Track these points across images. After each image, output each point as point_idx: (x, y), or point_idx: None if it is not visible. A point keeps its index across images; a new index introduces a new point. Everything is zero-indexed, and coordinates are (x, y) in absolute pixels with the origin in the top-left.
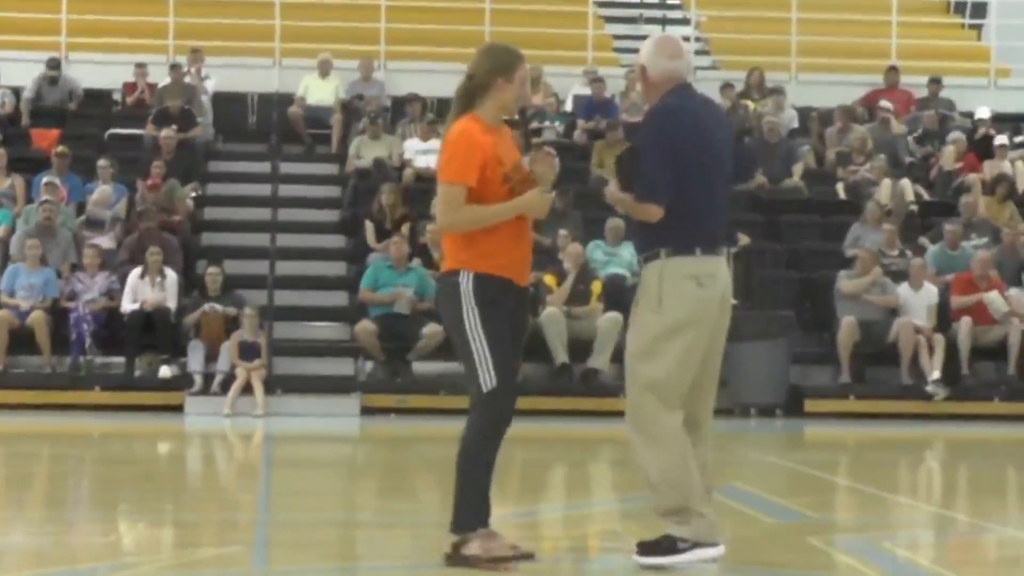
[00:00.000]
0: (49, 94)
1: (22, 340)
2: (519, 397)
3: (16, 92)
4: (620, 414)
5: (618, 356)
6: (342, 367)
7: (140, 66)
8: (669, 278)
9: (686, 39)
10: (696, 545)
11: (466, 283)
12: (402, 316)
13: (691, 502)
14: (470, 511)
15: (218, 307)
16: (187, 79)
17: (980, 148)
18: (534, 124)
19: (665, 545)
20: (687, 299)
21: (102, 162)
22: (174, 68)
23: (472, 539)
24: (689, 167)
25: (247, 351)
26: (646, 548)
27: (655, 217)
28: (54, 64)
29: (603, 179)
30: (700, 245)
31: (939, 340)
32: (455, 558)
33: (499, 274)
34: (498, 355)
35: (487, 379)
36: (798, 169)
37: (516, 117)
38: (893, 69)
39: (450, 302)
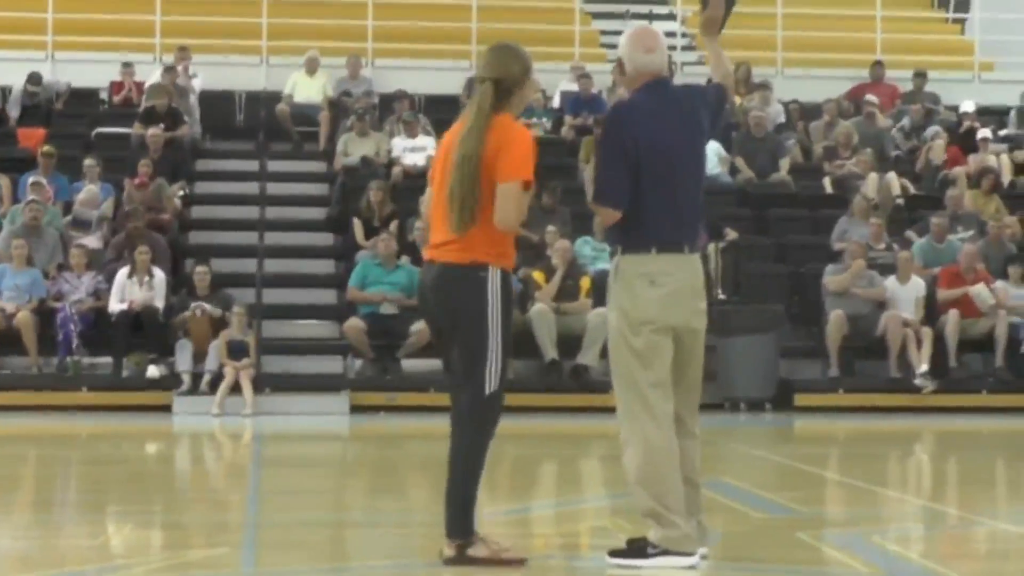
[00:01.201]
0: (37, 97)
1: (9, 341)
2: (507, 393)
3: (3, 91)
4: (610, 410)
5: (607, 352)
6: (331, 365)
7: (127, 65)
8: (623, 276)
9: (672, 34)
10: (666, 552)
11: (494, 279)
12: (391, 314)
13: (666, 508)
14: (471, 514)
15: (206, 306)
16: (175, 78)
17: (965, 141)
18: (521, 120)
19: (636, 548)
20: (639, 297)
21: (89, 161)
22: (166, 71)
23: (476, 541)
24: (643, 167)
25: (236, 350)
26: (618, 550)
27: (612, 219)
28: (36, 80)
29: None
30: (656, 244)
31: (927, 333)
32: (460, 559)
33: (510, 269)
34: (505, 359)
35: (491, 381)
36: (785, 163)
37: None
38: (878, 64)
39: (473, 296)
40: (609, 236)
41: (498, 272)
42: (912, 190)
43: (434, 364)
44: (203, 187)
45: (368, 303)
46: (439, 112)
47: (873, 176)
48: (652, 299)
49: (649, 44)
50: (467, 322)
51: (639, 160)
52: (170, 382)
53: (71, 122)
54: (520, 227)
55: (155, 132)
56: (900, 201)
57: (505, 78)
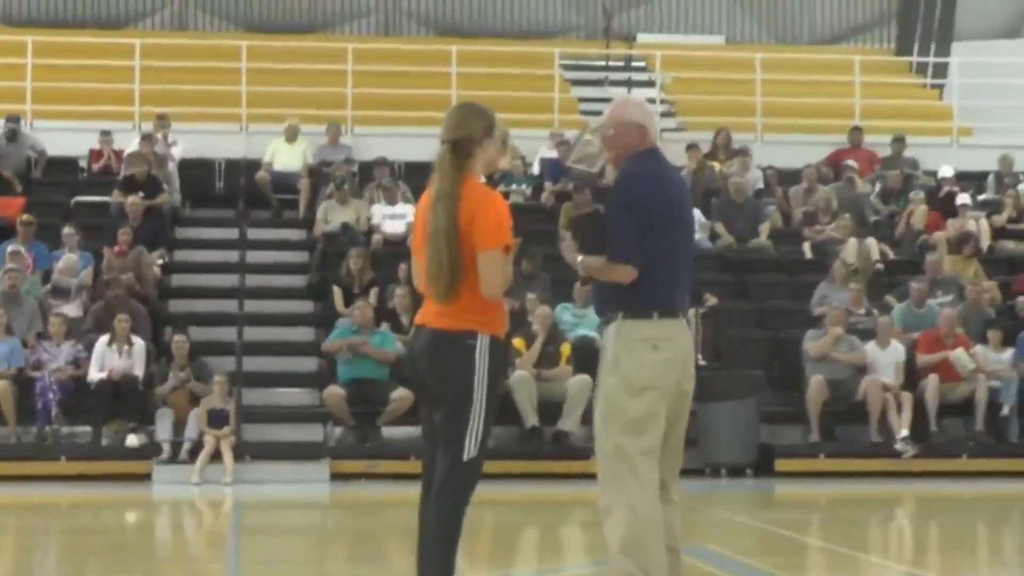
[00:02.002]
0: (11, 152)
1: None
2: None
3: None
4: (591, 476)
5: (588, 418)
6: (311, 433)
7: (105, 133)
8: (625, 341)
9: (652, 101)
10: None
11: (483, 346)
12: (371, 380)
13: (654, 569)
14: None
15: (190, 378)
16: (155, 146)
17: (944, 206)
18: (501, 187)
19: None
20: (642, 363)
21: (67, 230)
22: (145, 139)
23: None
24: (652, 231)
25: (216, 418)
26: None
27: (628, 278)
28: (13, 118)
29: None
30: (657, 309)
31: (907, 398)
32: None
33: (500, 336)
34: (487, 426)
35: (471, 447)
36: (765, 229)
37: (484, 180)
38: (857, 129)
39: (460, 363)
40: (603, 301)
41: (487, 339)
42: (891, 255)
43: (414, 431)
44: (183, 255)
45: (344, 356)
46: (419, 179)
47: (853, 241)
48: (655, 364)
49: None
50: (454, 387)
51: (649, 224)
52: (150, 451)
53: (50, 190)
54: (504, 291)
55: (134, 200)
56: (880, 266)
57: (463, 138)
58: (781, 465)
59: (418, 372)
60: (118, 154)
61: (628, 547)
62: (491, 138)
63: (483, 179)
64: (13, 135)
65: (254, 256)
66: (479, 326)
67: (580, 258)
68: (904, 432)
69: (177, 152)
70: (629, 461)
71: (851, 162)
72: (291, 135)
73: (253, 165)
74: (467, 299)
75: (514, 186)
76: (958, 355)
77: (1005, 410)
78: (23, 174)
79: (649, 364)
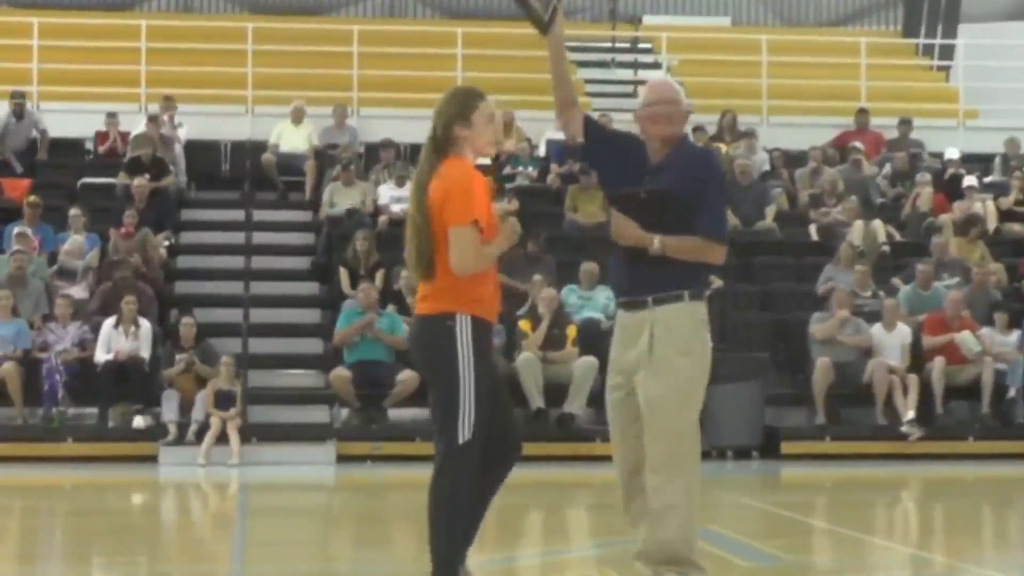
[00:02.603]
0: (18, 130)
1: None
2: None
3: None
4: (597, 458)
5: (594, 400)
6: (317, 415)
7: (111, 115)
8: (694, 322)
9: None
10: None
11: (463, 328)
12: (377, 362)
13: (697, 555)
14: (454, 568)
15: (193, 358)
16: (160, 128)
17: (950, 189)
18: (507, 169)
19: None
20: (707, 344)
21: (74, 211)
22: (151, 120)
23: None
24: None
25: (223, 400)
26: None
27: (722, 258)
28: (19, 94)
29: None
30: (706, 289)
31: (913, 380)
32: None
33: (486, 318)
34: (480, 408)
35: (464, 431)
36: (771, 211)
37: (489, 162)
38: (863, 111)
39: (442, 345)
40: (662, 278)
41: (467, 319)
42: (897, 237)
43: (420, 413)
44: (189, 237)
45: (354, 342)
46: None
47: (858, 223)
48: (710, 345)
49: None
50: (439, 372)
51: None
52: (156, 432)
53: (56, 172)
54: (480, 268)
55: (140, 182)
56: (886, 248)
57: (438, 124)
58: (787, 447)
59: (413, 360)
60: (124, 136)
61: (685, 532)
62: (468, 121)
63: (481, 160)
64: (20, 112)
65: (260, 238)
66: (458, 307)
67: (658, 237)
68: (910, 414)
69: (183, 134)
70: (696, 444)
71: (857, 144)
72: (297, 117)
73: (259, 147)
74: (444, 280)
75: (520, 168)
76: (964, 337)
77: (1011, 392)
78: (27, 155)
79: (709, 348)
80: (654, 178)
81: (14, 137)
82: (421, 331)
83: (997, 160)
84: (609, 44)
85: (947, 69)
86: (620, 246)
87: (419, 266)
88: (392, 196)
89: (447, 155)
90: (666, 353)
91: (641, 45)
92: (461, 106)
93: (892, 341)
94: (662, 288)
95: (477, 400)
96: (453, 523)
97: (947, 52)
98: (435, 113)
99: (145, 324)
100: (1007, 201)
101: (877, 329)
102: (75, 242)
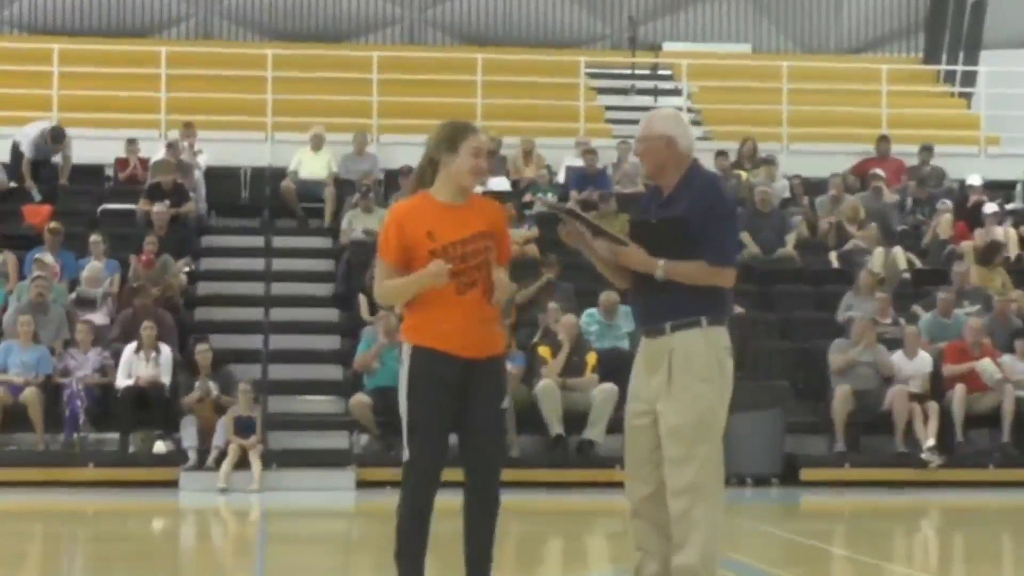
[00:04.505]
0: (50, 154)
1: (15, 417)
2: (508, 469)
3: (7, 167)
4: (616, 485)
5: (613, 427)
6: (337, 441)
7: (131, 142)
8: (713, 348)
9: (678, 110)
10: None
11: (405, 355)
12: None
13: None
14: (402, 569)
15: (214, 389)
16: (181, 155)
17: (971, 216)
18: (527, 196)
19: None
20: (727, 371)
21: (94, 238)
22: (171, 147)
23: None
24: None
25: (243, 426)
26: None
27: (731, 281)
28: (58, 136)
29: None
30: (728, 315)
31: (933, 408)
32: None
33: (432, 346)
34: (416, 429)
35: (405, 451)
36: (791, 239)
37: (509, 190)
38: (884, 138)
39: (398, 370)
40: (679, 304)
41: (409, 348)
42: (918, 264)
43: None
44: (208, 263)
45: (373, 366)
46: None
47: (879, 251)
48: (732, 373)
49: (689, 128)
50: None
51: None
52: (177, 458)
53: (77, 199)
54: (385, 299)
55: (160, 209)
56: (906, 276)
57: (432, 147)
58: (806, 475)
59: None
60: (144, 162)
61: (707, 558)
62: (452, 153)
63: (499, 187)
64: (60, 138)
65: (280, 264)
66: (404, 336)
67: (662, 262)
68: (930, 442)
69: (203, 160)
70: (719, 470)
71: (878, 171)
72: (316, 144)
73: (278, 174)
74: (403, 311)
75: (539, 194)
76: (984, 365)
77: None
78: (48, 180)
79: (731, 374)
80: (665, 208)
81: (47, 159)
82: None
83: (1019, 187)
84: (629, 71)
85: (969, 96)
86: (636, 274)
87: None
88: None
89: (425, 186)
90: (685, 380)
91: (661, 72)
92: (451, 134)
93: (913, 369)
94: (680, 314)
95: (411, 422)
96: (400, 536)
97: (969, 79)
98: (427, 141)
99: (165, 350)
100: None
101: (898, 356)
102: (94, 268)
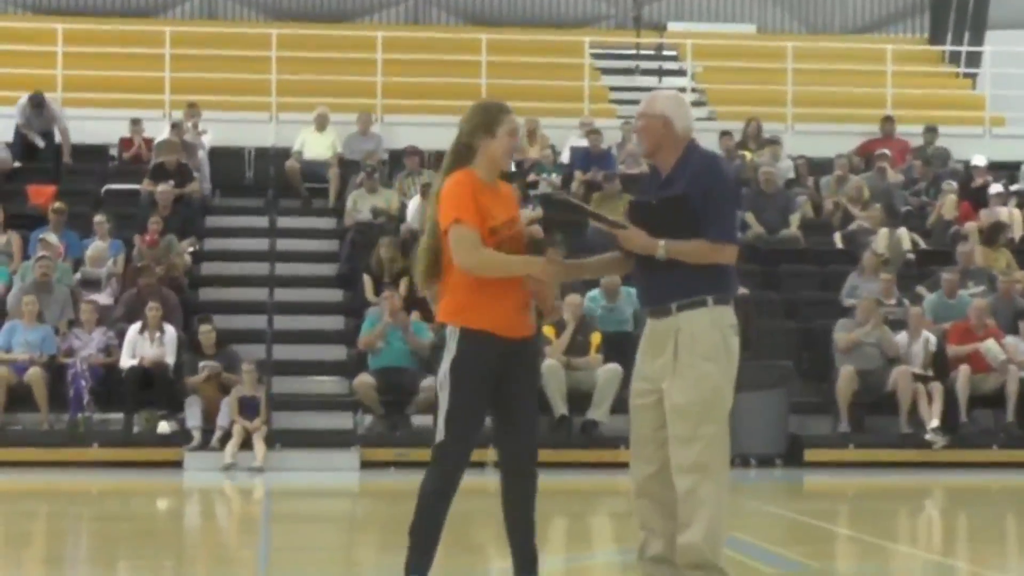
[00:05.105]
0: (34, 123)
1: (20, 397)
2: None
3: (11, 146)
4: (620, 465)
5: (617, 407)
6: (341, 421)
7: (135, 122)
8: (720, 328)
9: (682, 90)
10: None
11: (452, 336)
12: (401, 369)
13: (722, 560)
14: (419, 558)
15: (218, 366)
16: (185, 135)
17: (976, 196)
18: (531, 176)
19: None
20: (732, 350)
21: (98, 218)
22: (175, 127)
23: None
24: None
25: (247, 406)
26: None
27: (733, 259)
28: (37, 96)
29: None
30: (734, 294)
31: (937, 388)
32: None
33: (480, 328)
34: (456, 410)
35: (439, 431)
36: (795, 219)
37: (513, 169)
38: (889, 119)
39: (443, 351)
40: (684, 284)
41: (457, 330)
42: (923, 245)
43: None
44: (213, 244)
45: (377, 346)
46: None
47: (883, 231)
48: (738, 353)
49: (689, 109)
50: (438, 373)
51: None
52: (181, 438)
53: (81, 179)
54: (476, 264)
55: (165, 189)
56: (910, 256)
57: (468, 131)
58: (810, 455)
59: None
60: (148, 142)
61: (712, 537)
62: (491, 136)
63: (499, 174)
64: (40, 103)
65: (284, 244)
66: (449, 317)
67: (663, 243)
68: (934, 423)
69: (207, 140)
70: (725, 450)
71: (883, 151)
72: (321, 124)
73: (283, 154)
74: (445, 292)
75: (543, 175)
76: (989, 346)
77: None
78: (49, 155)
79: (737, 353)
80: (665, 189)
81: (35, 124)
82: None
83: (1023, 168)
84: (634, 51)
85: (974, 76)
86: (640, 255)
87: (418, 273)
88: (418, 205)
89: (461, 167)
90: (691, 359)
91: (666, 52)
92: (488, 118)
93: (917, 349)
94: (685, 294)
95: (452, 403)
96: (423, 518)
97: (974, 59)
98: (461, 123)
99: (170, 330)
100: None
101: (902, 337)
102: (98, 248)
